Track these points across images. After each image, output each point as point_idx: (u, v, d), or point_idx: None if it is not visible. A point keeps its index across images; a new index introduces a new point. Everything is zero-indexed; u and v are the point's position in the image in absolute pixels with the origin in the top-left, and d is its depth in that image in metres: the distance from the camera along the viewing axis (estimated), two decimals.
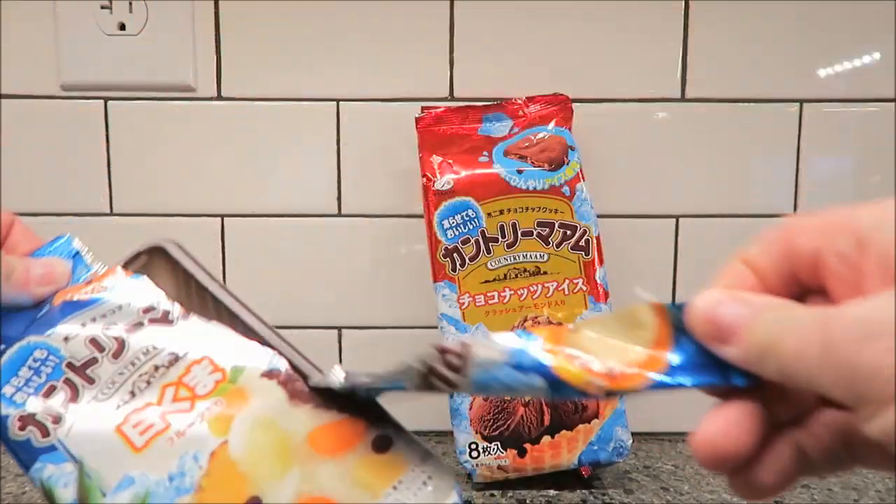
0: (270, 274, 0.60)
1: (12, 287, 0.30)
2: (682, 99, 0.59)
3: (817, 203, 0.59)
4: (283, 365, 0.31)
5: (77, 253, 0.33)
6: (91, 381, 0.30)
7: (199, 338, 0.32)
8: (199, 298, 0.33)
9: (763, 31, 0.58)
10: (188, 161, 0.59)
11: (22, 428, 0.28)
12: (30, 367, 0.29)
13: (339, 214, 0.60)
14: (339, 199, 0.60)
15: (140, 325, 0.31)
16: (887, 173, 0.59)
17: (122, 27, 0.57)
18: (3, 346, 0.30)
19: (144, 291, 0.32)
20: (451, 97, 0.59)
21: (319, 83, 0.58)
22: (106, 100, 0.59)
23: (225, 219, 0.60)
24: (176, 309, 0.32)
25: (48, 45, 0.58)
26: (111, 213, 0.60)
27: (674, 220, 0.60)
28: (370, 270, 0.60)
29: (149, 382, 0.30)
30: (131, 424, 0.29)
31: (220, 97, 0.59)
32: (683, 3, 0.58)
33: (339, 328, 0.61)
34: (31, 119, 0.59)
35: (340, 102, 0.59)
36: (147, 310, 0.32)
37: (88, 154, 0.59)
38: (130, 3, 0.57)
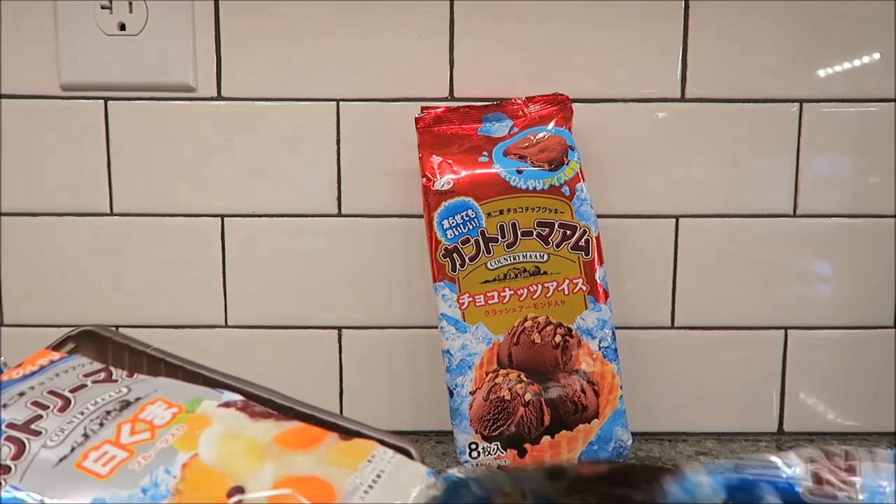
0: (270, 274, 0.60)
1: None
2: (682, 99, 0.59)
3: (817, 203, 0.59)
4: (237, 397, 0.32)
5: None
6: (37, 433, 0.30)
7: (147, 386, 0.32)
8: (137, 364, 0.34)
9: (763, 31, 0.58)
10: (188, 161, 0.59)
11: None
12: None
13: (339, 214, 0.60)
14: (339, 199, 0.60)
15: (84, 386, 0.32)
16: (887, 173, 0.59)
17: (122, 27, 0.57)
18: None
19: (82, 363, 0.33)
20: (451, 97, 0.59)
21: (319, 83, 0.59)
22: (106, 100, 0.59)
23: (225, 219, 0.60)
24: (119, 371, 0.33)
25: (48, 45, 0.58)
26: (111, 213, 0.60)
27: (674, 220, 0.60)
28: (370, 270, 0.60)
29: (102, 424, 0.30)
30: (91, 460, 0.29)
31: (220, 97, 0.59)
32: (683, 3, 0.58)
33: (339, 328, 0.61)
34: (31, 119, 0.59)
35: (340, 102, 0.59)
36: (88, 374, 0.32)
37: (88, 154, 0.59)
38: (130, 3, 0.57)
